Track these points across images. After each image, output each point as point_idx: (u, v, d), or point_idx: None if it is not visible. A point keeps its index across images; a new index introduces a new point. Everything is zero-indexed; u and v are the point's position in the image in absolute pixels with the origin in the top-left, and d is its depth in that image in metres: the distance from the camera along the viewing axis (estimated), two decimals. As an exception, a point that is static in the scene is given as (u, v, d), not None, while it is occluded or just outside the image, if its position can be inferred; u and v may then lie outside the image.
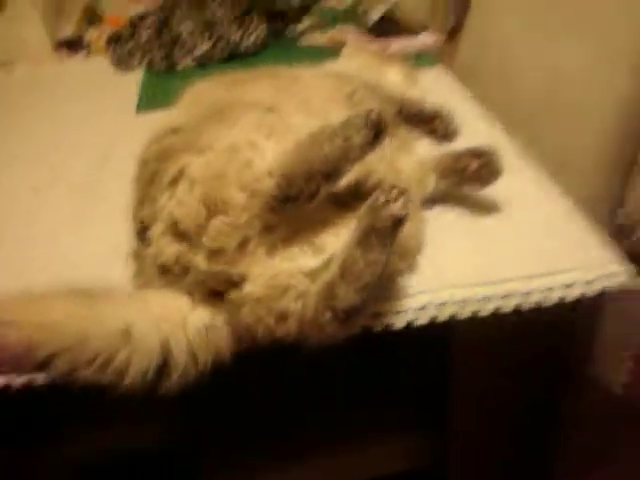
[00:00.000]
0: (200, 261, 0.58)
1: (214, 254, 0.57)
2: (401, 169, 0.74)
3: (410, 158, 0.77)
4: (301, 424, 0.87)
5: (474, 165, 0.73)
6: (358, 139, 0.57)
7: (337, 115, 0.70)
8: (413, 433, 0.93)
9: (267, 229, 0.58)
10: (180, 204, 0.58)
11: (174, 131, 0.67)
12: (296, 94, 0.72)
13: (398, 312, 0.61)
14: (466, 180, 0.74)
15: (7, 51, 1.41)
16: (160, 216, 0.59)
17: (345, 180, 0.61)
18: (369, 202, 0.55)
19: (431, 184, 0.75)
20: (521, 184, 0.76)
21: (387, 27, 1.28)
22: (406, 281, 0.63)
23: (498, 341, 0.69)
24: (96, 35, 1.44)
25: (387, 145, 0.73)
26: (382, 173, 0.67)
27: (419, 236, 0.68)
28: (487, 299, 0.61)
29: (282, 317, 0.57)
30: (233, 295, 0.58)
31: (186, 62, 1.25)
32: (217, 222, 0.57)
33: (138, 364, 0.57)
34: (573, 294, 0.62)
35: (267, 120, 0.64)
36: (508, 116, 0.96)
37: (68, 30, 1.52)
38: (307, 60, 0.93)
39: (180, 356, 0.58)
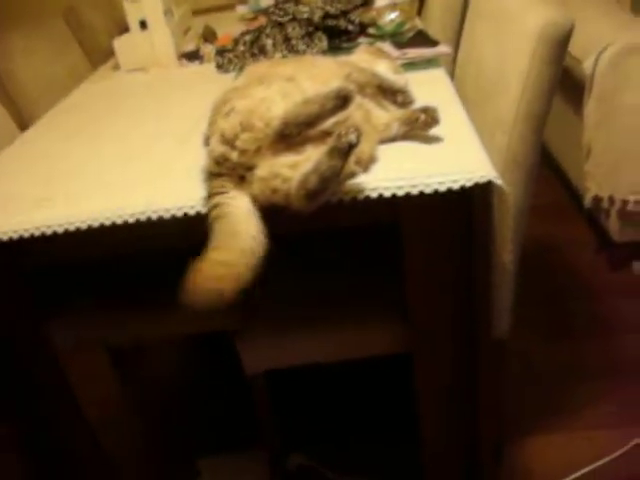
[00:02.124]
0: (234, 156, 1.03)
1: (242, 152, 1.03)
2: (374, 117, 1.17)
3: (383, 112, 1.20)
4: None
5: (422, 117, 1.15)
6: (329, 105, 1.00)
7: (334, 84, 1.15)
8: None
9: (273, 142, 1.03)
10: (227, 123, 1.05)
11: (234, 89, 1.14)
12: (310, 71, 1.18)
13: (347, 192, 1.05)
14: (417, 126, 1.16)
15: (145, 58, 1.96)
16: (217, 131, 1.06)
17: (333, 119, 1.05)
18: (337, 132, 0.98)
19: (395, 128, 1.17)
20: (450, 130, 1.17)
21: (418, 40, 1.72)
22: (359, 177, 1.06)
23: (432, 224, 1.10)
24: (209, 49, 1.96)
25: (366, 103, 1.18)
26: (356, 118, 1.11)
27: (373, 154, 1.11)
28: (400, 187, 1.04)
29: (274, 191, 1.02)
30: (249, 176, 1.04)
31: (265, 66, 1.74)
32: (245, 135, 1.03)
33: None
34: (456, 186, 1.02)
35: (286, 87, 1.09)
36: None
37: (191, 46, 2.07)
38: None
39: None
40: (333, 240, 1.45)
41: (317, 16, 1.82)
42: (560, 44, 1.13)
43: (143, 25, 1.93)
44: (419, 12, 1.98)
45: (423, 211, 1.09)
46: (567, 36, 1.13)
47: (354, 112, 1.12)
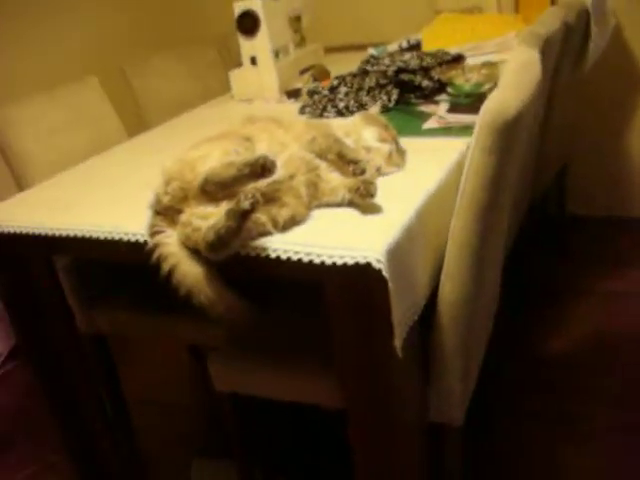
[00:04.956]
0: (165, 199, 1.18)
1: (171, 197, 1.17)
2: (324, 181, 1.24)
3: (335, 176, 1.26)
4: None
5: (361, 188, 1.20)
6: (245, 171, 1.10)
7: (291, 149, 1.25)
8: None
9: (198, 194, 1.15)
10: (171, 168, 1.19)
11: (199, 142, 1.28)
12: (273, 133, 1.28)
13: (255, 248, 1.14)
14: (359, 195, 1.21)
15: (253, 91, 2.17)
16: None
17: (269, 180, 1.15)
18: (237, 196, 1.09)
19: (341, 194, 1.22)
20: (395, 204, 1.21)
21: (475, 105, 1.70)
22: (271, 235, 1.15)
23: (339, 293, 1.15)
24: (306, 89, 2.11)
25: (323, 167, 1.25)
26: (299, 181, 1.20)
27: (298, 217, 1.18)
28: (297, 253, 1.11)
29: (187, 238, 1.15)
30: (176, 219, 1.18)
31: (329, 112, 1.84)
32: (175, 183, 1.17)
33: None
34: (340, 261, 1.07)
35: (233, 146, 1.21)
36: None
37: (300, 83, 2.24)
38: (410, 120, 1.60)
39: None
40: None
41: (391, 69, 1.87)
42: (500, 133, 1.10)
43: (253, 61, 2.13)
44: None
45: (331, 278, 1.13)
46: (509, 125, 1.09)
47: (301, 175, 1.22)
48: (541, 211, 2.66)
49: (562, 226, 2.86)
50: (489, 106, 1.10)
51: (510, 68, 1.31)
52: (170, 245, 1.17)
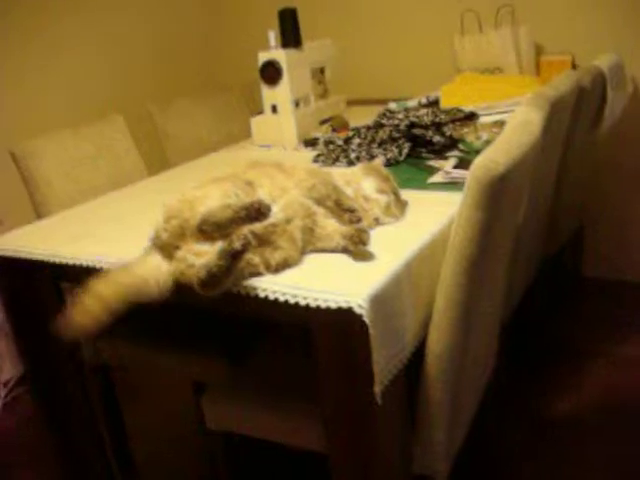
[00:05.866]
0: (165, 235, 1.23)
1: (170, 234, 1.22)
2: (320, 227, 1.28)
3: (331, 222, 1.29)
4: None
5: (355, 236, 1.24)
6: (241, 214, 1.16)
7: (291, 194, 1.29)
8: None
9: (195, 232, 1.20)
10: (171, 205, 1.24)
11: (203, 182, 1.33)
12: (275, 178, 1.33)
13: (246, 287, 1.17)
14: (352, 242, 1.24)
15: (272, 137, 2.23)
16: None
17: (267, 222, 1.20)
18: (230, 237, 1.14)
19: (336, 240, 1.26)
20: (386, 253, 1.24)
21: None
22: (262, 276, 1.19)
23: (326, 335, 1.17)
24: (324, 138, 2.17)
25: (320, 213, 1.29)
26: (295, 225, 1.24)
27: (290, 260, 1.21)
28: (284, 294, 1.14)
29: (182, 273, 1.19)
30: (173, 254, 1.22)
31: (341, 162, 1.88)
32: (175, 221, 1.22)
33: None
34: (323, 305, 1.10)
35: (234, 189, 1.26)
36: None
37: (320, 132, 2.30)
38: (417, 174, 1.66)
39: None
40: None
41: (404, 124, 1.92)
42: (488, 189, 1.12)
43: (274, 109, 2.20)
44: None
45: (316, 321, 1.16)
46: (496, 181, 1.12)
47: (298, 219, 1.26)
48: (556, 271, 2.66)
49: (577, 287, 2.84)
50: (479, 162, 1.14)
51: (508, 127, 1.35)
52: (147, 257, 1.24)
